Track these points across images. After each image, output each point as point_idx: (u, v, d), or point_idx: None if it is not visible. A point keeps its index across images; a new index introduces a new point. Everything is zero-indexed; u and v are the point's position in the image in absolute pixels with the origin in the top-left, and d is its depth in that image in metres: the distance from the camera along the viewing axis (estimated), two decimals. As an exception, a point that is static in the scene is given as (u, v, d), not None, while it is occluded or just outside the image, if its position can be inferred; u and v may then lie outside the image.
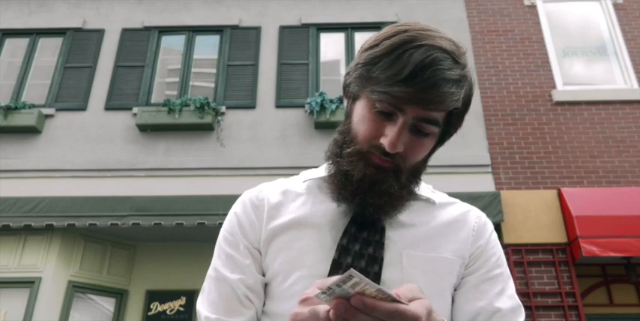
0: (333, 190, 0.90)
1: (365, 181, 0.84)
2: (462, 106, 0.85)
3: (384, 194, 0.84)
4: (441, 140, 0.92)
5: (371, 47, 0.83)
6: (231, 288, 0.90)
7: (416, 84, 0.77)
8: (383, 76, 0.79)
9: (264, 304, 0.92)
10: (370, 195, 0.84)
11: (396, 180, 0.85)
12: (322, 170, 0.96)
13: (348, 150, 0.86)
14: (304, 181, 0.97)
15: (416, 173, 0.90)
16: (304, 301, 0.63)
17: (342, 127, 0.91)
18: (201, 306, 0.92)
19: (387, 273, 0.83)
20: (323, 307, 0.59)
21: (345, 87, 0.91)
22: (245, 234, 0.93)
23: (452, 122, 0.88)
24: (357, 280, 0.56)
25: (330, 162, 0.91)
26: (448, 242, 0.91)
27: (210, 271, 0.94)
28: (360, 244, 0.85)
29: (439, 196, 0.99)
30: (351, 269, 0.55)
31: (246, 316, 0.89)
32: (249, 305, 0.90)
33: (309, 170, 1.02)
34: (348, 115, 0.90)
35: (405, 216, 0.90)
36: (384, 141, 0.81)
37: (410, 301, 0.61)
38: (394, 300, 0.58)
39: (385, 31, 0.84)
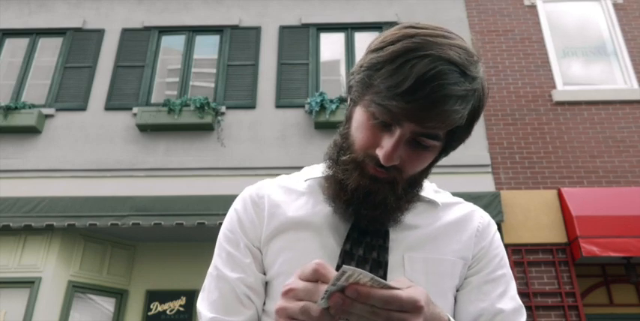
0: (327, 198, 0.88)
1: (359, 191, 0.82)
2: (467, 121, 0.79)
3: (379, 205, 0.82)
4: (443, 152, 0.86)
5: (375, 50, 0.78)
6: (231, 287, 0.89)
7: (415, 100, 0.72)
8: (383, 85, 0.74)
9: (264, 303, 0.91)
10: (365, 206, 0.82)
11: (391, 191, 0.82)
12: (324, 168, 0.93)
13: (344, 158, 0.84)
14: (306, 180, 0.96)
15: (414, 184, 0.86)
16: (288, 293, 0.61)
17: (342, 130, 0.89)
18: (201, 305, 0.91)
19: (391, 277, 0.82)
20: (315, 305, 0.59)
21: (348, 88, 0.88)
22: (245, 232, 0.92)
23: (456, 136, 0.82)
24: (351, 273, 0.56)
25: (327, 166, 0.89)
26: (451, 243, 0.90)
27: (210, 269, 0.93)
28: (364, 249, 0.83)
29: (443, 196, 0.97)
30: (344, 266, 0.55)
31: (245, 315, 0.88)
32: (249, 304, 0.89)
33: (311, 167, 1.00)
34: (349, 117, 0.87)
35: (408, 218, 0.88)
36: (380, 153, 0.78)
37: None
38: (389, 287, 0.58)
39: (393, 32, 0.78)
